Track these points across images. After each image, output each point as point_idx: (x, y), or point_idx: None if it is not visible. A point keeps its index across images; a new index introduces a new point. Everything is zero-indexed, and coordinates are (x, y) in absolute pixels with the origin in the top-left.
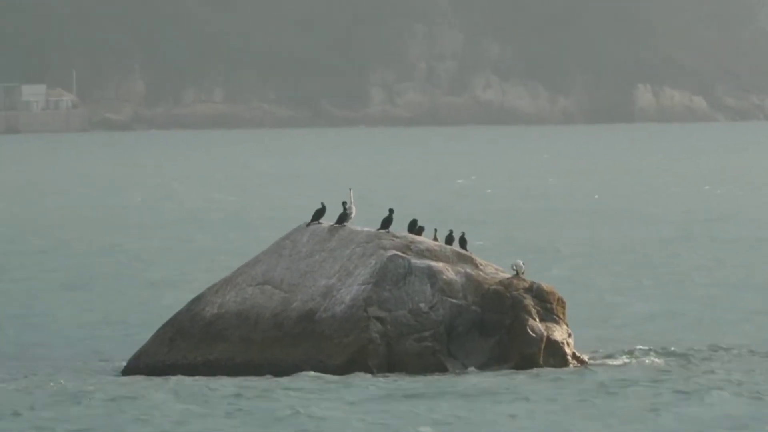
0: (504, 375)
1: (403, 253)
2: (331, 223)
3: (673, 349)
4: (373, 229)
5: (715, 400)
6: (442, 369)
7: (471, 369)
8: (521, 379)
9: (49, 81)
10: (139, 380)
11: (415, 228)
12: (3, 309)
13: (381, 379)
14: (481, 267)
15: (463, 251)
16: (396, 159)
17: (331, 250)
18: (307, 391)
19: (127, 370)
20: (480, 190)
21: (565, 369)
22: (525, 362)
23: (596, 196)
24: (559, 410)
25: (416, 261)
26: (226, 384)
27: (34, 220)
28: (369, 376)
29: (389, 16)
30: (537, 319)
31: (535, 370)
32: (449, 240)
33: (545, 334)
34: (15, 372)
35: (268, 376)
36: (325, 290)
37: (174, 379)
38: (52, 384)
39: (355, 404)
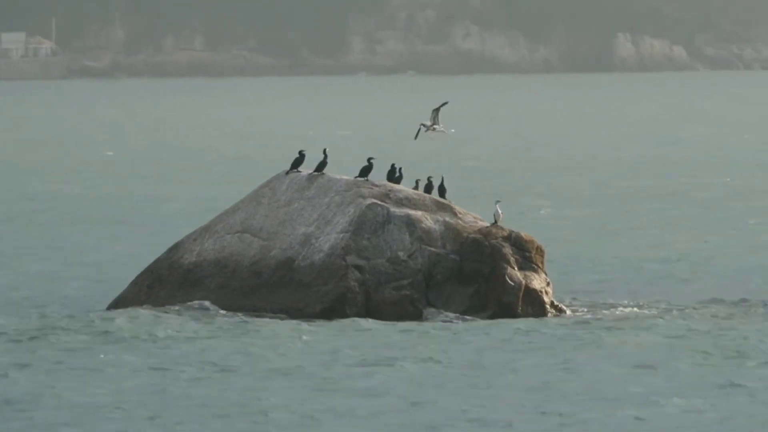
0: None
1: (382, 201)
2: (311, 171)
3: (657, 299)
4: (351, 178)
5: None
6: (420, 317)
7: (449, 316)
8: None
9: (29, 29)
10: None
11: (394, 176)
12: None
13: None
14: (459, 215)
15: (441, 200)
16: (377, 107)
17: (309, 198)
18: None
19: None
20: (463, 139)
21: (543, 318)
22: (503, 311)
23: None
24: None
25: (395, 209)
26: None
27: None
28: (347, 321)
29: None
30: (516, 268)
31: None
32: (428, 188)
33: (524, 282)
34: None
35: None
36: (304, 238)
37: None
38: (21, 327)
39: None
